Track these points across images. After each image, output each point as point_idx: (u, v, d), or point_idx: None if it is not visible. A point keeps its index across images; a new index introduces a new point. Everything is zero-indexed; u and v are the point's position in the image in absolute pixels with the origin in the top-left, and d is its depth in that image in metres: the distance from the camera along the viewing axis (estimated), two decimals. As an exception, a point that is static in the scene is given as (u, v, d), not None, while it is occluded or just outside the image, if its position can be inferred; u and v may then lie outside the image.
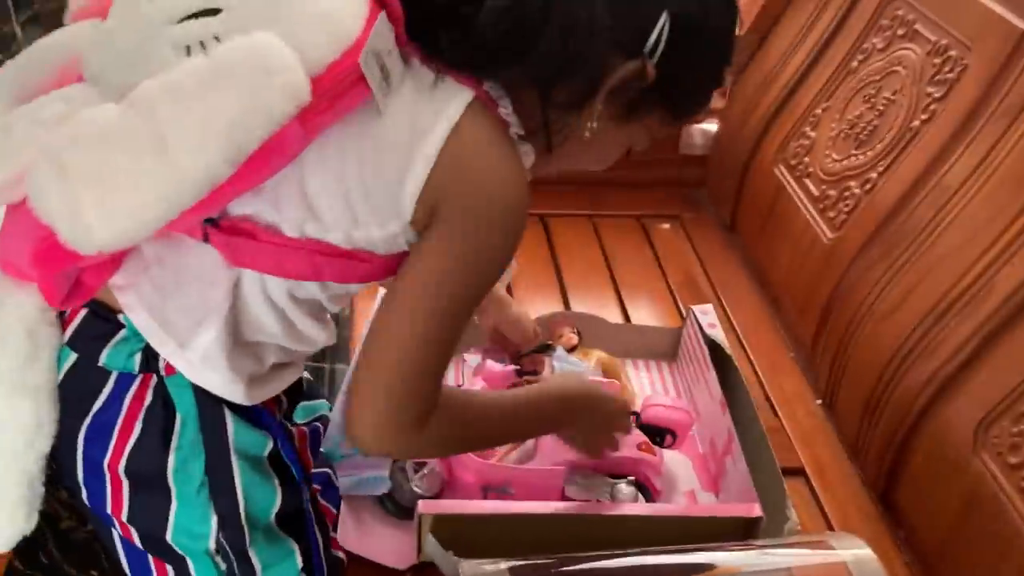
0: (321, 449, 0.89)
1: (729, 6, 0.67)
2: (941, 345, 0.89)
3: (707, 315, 1.05)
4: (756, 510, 0.81)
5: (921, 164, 1.00)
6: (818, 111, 1.21)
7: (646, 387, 1.08)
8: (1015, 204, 0.86)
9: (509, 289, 1.15)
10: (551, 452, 0.88)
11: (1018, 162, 0.88)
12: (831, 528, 0.93)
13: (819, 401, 1.08)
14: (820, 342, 1.10)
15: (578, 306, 1.20)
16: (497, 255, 0.65)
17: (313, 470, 0.86)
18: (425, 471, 0.87)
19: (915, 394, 0.91)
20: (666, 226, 1.43)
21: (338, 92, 0.58)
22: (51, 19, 0.77)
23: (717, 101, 1.64)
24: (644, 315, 1.21)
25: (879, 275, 1.01)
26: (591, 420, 0.83)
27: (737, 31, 0.69)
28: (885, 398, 0.96)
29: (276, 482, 0.73)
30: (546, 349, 1.05)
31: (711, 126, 1.59)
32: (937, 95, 1.01)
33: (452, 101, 0.62)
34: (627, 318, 1.21)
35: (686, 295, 1.26)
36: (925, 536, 0.89)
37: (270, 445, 0.73)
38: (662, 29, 0.63)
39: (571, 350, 1.04)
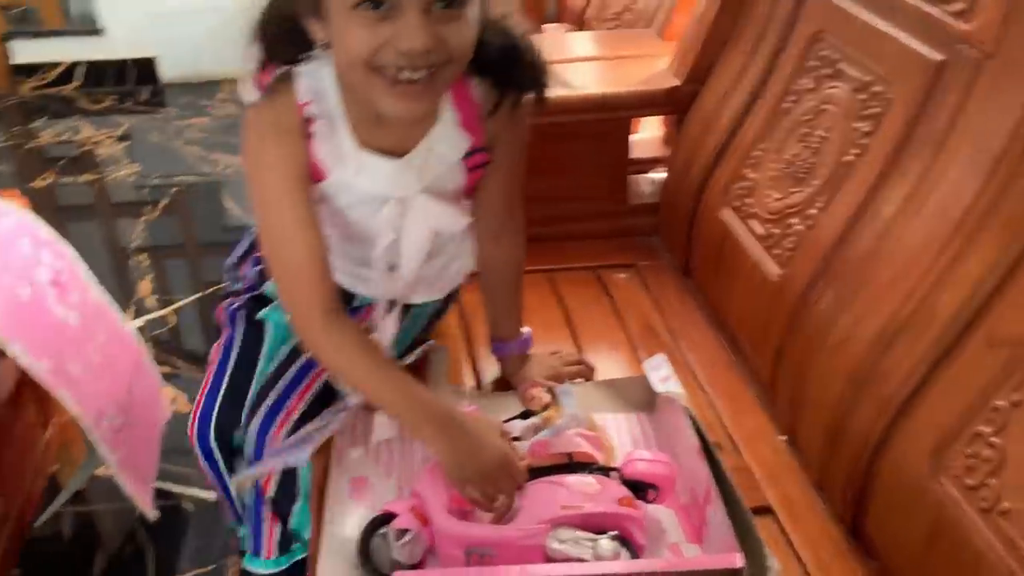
0: None
1: None
2: (892, 372, 0.91)
3: (659, 369, 1.05)
4: (738, 560, 0.80)
5: (857, 197, 1.02)
6: (757, 153, 1.24)
7: (627, 441, 1.06)
8: (946, 231, 0.88)
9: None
10: (533, 512, 0.88)
11: (946, 190, 0.91)
12: (804, 567, 0.93)
13: (782, 437, 1.09)
14: (778, 378, 1.11)
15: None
16: (255, 160, 0.90)
17: None
18: (408, 537, 0.86)
19: (871, 422, 0.92)
20: (623, 276, 1.44)
21: None
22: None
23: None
24: (606, 367, 1.21)
25: (827, 307, 1.02)
26: (459, 443, 0.88)
27: None
28: (844, 428, 0.96)
29: None
30: (526, 416, 1.05)
31: (659, 174, 1.62)
32: (866, 130, 1.04)
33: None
34: (588, 367, 1.21)
35: (645, 343, 1.27)
36: (896, 567, 0.89)
37: None
38: None
39: (544, 408, 1.04)
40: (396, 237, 0.97)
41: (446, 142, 0.95)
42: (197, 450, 1.06)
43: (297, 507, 1.07)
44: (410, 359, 1.10)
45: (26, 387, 1.44)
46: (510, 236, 1.10)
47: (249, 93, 0.90)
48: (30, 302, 1.25)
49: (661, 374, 1.04)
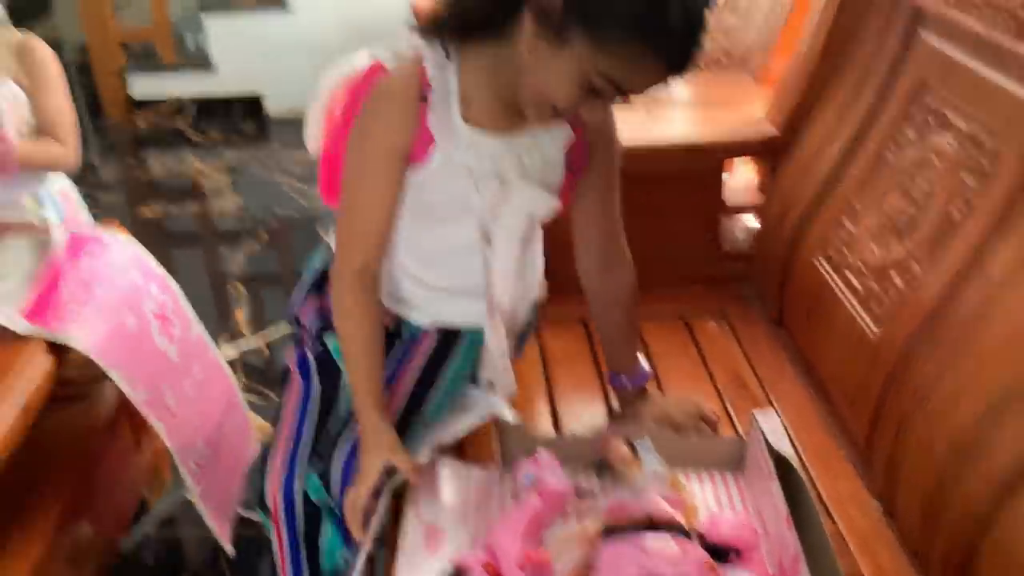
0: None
1: None
2: (1000, 446, 0.85)
3: (770, 422, 1.01)
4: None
5: (963, 256, 0.97)
6: (856, 203, 1.20)
7: (710, 502, 1.02)
8: (1062, 295, 0.83)
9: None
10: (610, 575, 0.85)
11: (1062, 251, 0.86)
12: (897, 643, 0.88)
13: (877, 502, 1.04)
14: (874, 440, 1.06)
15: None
16: (364, 127, 0.98)
17: None
18: None
19: (978, 496, 0.86)
20: (712, 324, 1.41)
21: None
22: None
23: (756, 197, 1.65)
24: (691, 418, 1.19)
25: (929, 370, 0.97)
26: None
27: None
28: (945, 499, 0.91)
29: None
30: (601, 468, 1.03)
31: (752, 222, 1.59)
32: (973, 185, 1.00)
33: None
34: (674, 419, 1.18)
35: (734, 395, 1.23)
36: (999, 651, 0.83)
37: None
38: None
39: (623, 463, 1.01)
40: (489, 222, 1.01)
41: (549, 132, 1.00)
42: (280, 505, 1.03)
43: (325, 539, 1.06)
44: (476, 417, 1.08)
45: (123, 412, 1.50)
46: (619, 264, 1.13)
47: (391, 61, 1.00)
48: (135, 332, 1.30)
49: (771, 427, 1.00)
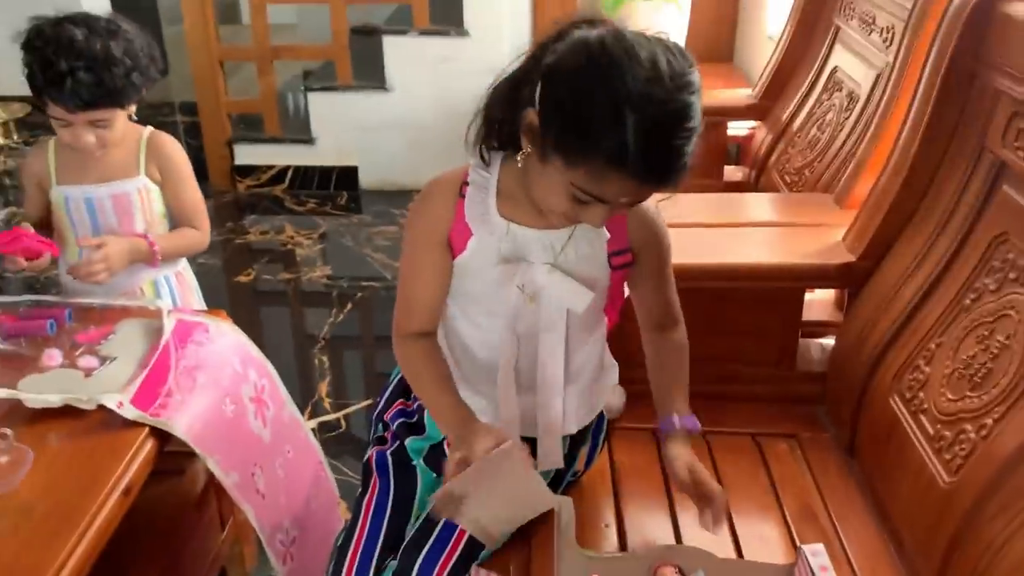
0: None
1: (587, 73, 0.89)
2: (1069, 617, 0.85)
3: (818, 556, 1.03)
4: None
5: (1039, 416, 0.98)
6: (932, 345, 1.21)
7: None
8: None
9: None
10: None
11: None
12: None
13: (943, 657, 1.03)
14: (942, 591, 1.06)
15: (689, 530, 1.21)
16: (414, 216, 1.11)
17: None
18: None
19: (1044, 667, 0.86)
20: (783, 446, 1.42)
21: None
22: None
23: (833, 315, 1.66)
24: (756, 547, 1.20)
25: (1000, 529, 0.97)
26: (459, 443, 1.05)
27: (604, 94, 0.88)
28: (1013, 665, 0.91)
29: None
30: None
31: (828, 340, 1.61)
32: (1051, 345, 1.01)
33: None
34: (738, 546, 1.20)
35: (802, 526, 1.24)
36: None
37: None
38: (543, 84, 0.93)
39: None
40: (527, 308, 1.10)
41: (586, 232, 1.08)
42: None
43: None
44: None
45: (211, 486, 1.58)
46: (672, 325, 1.23)
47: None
48: (232, 417, 1.39)
49: (819, 562, 1.02)
